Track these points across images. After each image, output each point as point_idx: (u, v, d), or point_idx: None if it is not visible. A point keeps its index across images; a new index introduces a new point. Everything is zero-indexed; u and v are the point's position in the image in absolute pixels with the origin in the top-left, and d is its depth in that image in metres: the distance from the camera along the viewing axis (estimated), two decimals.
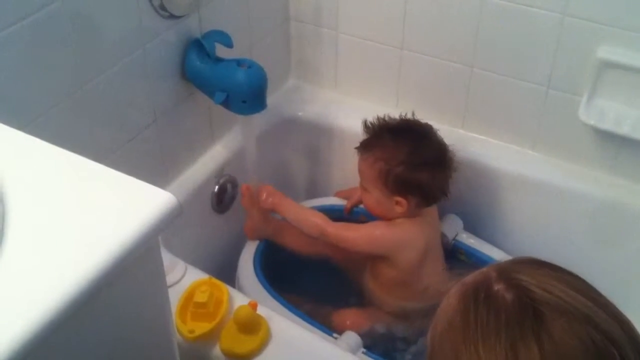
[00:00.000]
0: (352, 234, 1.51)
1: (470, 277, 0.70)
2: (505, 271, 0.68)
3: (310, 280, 1.62)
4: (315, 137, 1.77)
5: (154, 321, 0.88)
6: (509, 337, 0.62)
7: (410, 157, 1.44)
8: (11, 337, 0.65)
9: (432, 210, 1.53)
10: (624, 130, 1.44)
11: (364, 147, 1.49)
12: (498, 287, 0.66)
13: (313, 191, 1.84)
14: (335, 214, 1.68)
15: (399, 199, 1.45)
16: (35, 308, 0.67)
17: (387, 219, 1.50)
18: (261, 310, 1.21)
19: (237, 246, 1.59)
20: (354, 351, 1.32)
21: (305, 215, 1.55)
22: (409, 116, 1.52)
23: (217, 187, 1.62)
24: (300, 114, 1.76)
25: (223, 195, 1.64)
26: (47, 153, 0.84)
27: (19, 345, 0.64)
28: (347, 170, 1.63)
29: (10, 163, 0.81)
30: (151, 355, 0.91)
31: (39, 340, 0.66)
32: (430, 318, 1.53)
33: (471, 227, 1.64)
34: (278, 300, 1.44)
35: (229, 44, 1.45)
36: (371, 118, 1.51)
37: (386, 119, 1.51)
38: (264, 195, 1.55)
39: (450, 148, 1.49)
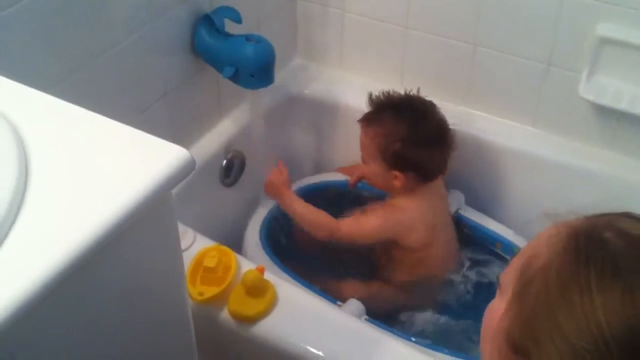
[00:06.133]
0: (363, 228, 1.51)
1: (575, 222, 0.68)
2: (609, 222, 0.67)
3: (315, 252, 1.65)
4: (321, 114, 1.80)
5: (167, 274, 0.92)
6: (626, 280, 0.61)
7: (408, 135, 1.46)
8: (22, 285, 0.67)
9: (437, 182, 1.54)
10: (622, 105, 1.47)
11: (366, 121, 1.52)
12: (608, 234, 0.65)
13: (317, 167, 1.87)
14: (338, 189, 1.72)
15: (396, 173, 1.48)
16: (50, 257, 0.69)
17: (387, 190, 1.54)
18: (268, 277, 1.25)
19: (244, 219, 1.63)
20: (357, 317, 1.35)
21: (313, 215, 1.53)
22: (414, 92, 1.54)
23: (224, 161, 1.65)
24: (306, 91, 1.79)
25: (230, 170, 1.67)
26: (64, 111, 0.87)
27: (29, 294, 0.67)
28: (351, 146, 1.66)
29: (32, 120, 0.85)
30: (165, 309, 0.94)
31: (50, 290, 0.68)
32: (434, 289, 1.51)
33: (472, 202, 1.67)
34: (284, 270, 1.47)
35: (237, 19, 1.48)
36: (376, 92, 1.54)
37: (391, 93, 1.53)
38: (271, 177, 1.57)
39: (452, 126, 1.51)
